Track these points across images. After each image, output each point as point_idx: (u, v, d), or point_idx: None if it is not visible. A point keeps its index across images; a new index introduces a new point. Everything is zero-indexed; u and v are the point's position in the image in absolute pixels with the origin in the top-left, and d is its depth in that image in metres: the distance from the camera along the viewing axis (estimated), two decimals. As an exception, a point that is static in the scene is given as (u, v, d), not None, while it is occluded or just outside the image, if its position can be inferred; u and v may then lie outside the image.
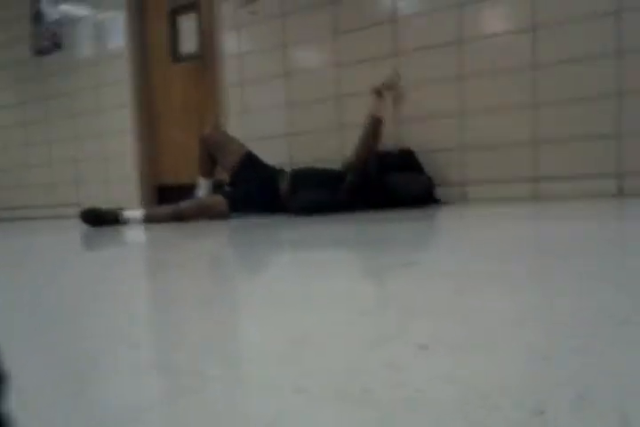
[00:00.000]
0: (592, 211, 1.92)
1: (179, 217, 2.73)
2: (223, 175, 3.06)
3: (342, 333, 0.54)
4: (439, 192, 2.83)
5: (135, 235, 2.27)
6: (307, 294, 0.75)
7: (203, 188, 2.99)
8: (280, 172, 2.90)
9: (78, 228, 2.71)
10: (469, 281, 0.76)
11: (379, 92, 2.70)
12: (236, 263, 1.19)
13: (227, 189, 2.96)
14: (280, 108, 3.51)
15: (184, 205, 2.78)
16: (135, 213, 2.82)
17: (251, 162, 2.95)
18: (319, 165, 2.96)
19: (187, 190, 3.08)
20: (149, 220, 2.76)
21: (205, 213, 2.73)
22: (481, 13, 2.77)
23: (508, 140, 2.74)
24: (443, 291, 0.71)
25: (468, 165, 2.86)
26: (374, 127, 2.68)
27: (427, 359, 0.43)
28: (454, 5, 2.83)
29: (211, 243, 1.77)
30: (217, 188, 2.99)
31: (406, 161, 2.80)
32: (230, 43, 3.70)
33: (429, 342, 0.48)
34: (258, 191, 2.81)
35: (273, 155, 3.29)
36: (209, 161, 2.99)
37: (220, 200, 2.77)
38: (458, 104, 2.86)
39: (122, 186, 4.30)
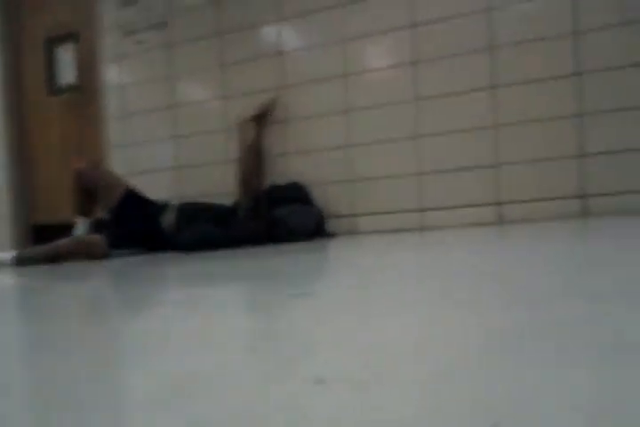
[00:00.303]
0: (472, 238, 2.02)
1: (54, 258, 2.57)
2: (102, 213, 2.90)
3: (229, 373, 0.49)
4: (329, 224, 2.86)
5: (1, 279, 2.10)
6: (189, 334, 0.71)
7: (80, 227, 2.81)
8: (164, 207, 2.81)
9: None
10: (361, 310, 0.76)
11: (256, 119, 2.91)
12: (111, 306, 1.12)
13: (106, 226, 2.82)
14: (165, 141, 3.44)
15: (59, 243, 2.62)
16: (5, 254, 2.62)
17: (132, 198, 2.83)
18: (206, 200, 2.91)
19: (65, 230, 2.90)
20: (22, 261, 2.58)
21: (83, 253, 2.59)
22: (365, 48, 2.88)
23: (394, 172, 2.82)
24: (335, 321, 0.69)
25: (357, 197, 2.92)
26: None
27: (324, 395, 0.40)
28: (339, 40, 2.92)
29: (87, 285, 1.67)
30: (96, 226, 2.84)
31: (295, 194, 2.82)
32: (112, 74, 3.60)
33: (326, 375, 0.44)
34: (140, 228, 2.71)
35: (158, 189, 3.21)
36: (86, 198, 2.83)
37: (98, 238, 2.63)
38: (345, 137, 2.93)
39: (-7, 226, 3.99)
